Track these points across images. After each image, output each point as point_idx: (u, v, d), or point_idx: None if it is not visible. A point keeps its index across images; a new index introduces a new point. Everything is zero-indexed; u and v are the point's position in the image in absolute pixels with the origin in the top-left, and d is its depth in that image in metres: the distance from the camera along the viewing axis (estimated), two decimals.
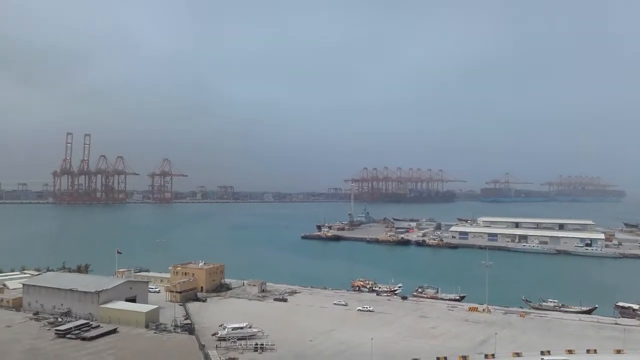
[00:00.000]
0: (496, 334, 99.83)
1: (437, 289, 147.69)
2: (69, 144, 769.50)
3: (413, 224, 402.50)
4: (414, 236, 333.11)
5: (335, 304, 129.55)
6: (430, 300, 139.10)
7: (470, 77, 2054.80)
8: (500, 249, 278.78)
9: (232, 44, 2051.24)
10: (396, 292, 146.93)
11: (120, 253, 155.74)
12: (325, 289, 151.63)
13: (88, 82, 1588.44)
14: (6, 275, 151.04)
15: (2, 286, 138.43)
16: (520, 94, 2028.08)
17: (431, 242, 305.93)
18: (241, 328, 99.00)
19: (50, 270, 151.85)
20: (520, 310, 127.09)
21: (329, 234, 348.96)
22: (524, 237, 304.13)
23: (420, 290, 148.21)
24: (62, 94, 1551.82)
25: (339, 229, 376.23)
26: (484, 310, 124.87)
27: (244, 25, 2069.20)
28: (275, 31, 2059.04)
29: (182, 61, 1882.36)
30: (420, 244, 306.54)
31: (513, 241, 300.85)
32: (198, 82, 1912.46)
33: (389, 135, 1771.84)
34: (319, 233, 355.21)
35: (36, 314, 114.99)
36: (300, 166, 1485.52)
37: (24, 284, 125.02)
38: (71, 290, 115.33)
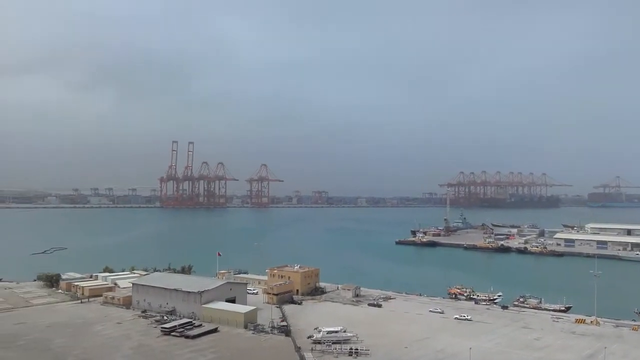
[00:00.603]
0: (605, 347, 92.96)
1: (540, 299, 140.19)
2: (174, 152, 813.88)
3: (514, 231, 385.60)
4: (514, 243, 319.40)
5: (431, 311, 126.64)
6: (533, 310, 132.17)
7: (570, 75, 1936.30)
8: (610, 257, 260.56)
9: (328, 50, 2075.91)
10: (496, 301, 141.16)
11: (221, 255, 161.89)
12: (420, 295, 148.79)
13: (191, 92, 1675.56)
14: (117, 275, 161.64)
15: (113, 285, 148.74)
16: (630, 90, 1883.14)
17: (534, 249, 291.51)
18: (336, 332, 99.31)
19: (157, 271, 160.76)
20: (633, 323, 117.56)
21: (424, 240, 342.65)
22: (637, 245, 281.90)
23: (521, 299, 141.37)
24: (168, 104, 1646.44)
25: (434, 235, 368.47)
26: (592, 322, 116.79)
27: (338, 30, 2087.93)
28: (369, 35, 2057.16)
29: (279, 68, 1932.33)
30: (521, 251, 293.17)
31: (625, 249, 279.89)
32: (295, 88, 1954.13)
33: (485, 139, 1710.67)
34: (413, 239, 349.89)
35: (144, 311, 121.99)
36: (394, 171, 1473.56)
37: (133, 284, 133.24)
38: (176, 290, 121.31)
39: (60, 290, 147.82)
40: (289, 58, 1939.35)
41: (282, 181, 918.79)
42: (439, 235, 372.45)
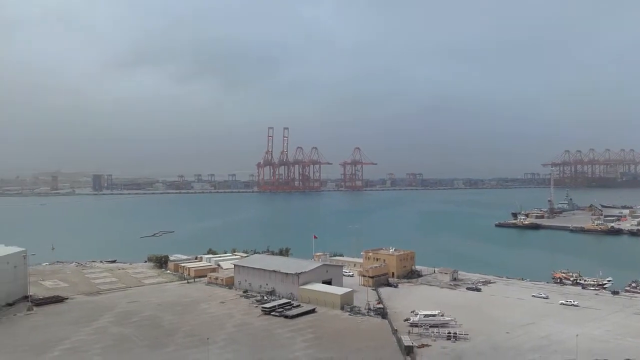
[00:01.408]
0: None
1: None
2: (270, 138, 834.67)
3: (625, 212, 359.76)
4: (627, 225, 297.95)
5: (534, 296, 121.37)
6: None
7: None
8: None
9: (420, 30, 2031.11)
10: (605, 286, 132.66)
11: (317, 238, 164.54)
12: (522, 280, 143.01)
13: (284, 79, 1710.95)
14: (220, 257, 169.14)
15: (216, 266, 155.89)
16: None
17: None
18: (433, 315, 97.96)
19: (256, 253, 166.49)
20: None
21: (526, 222, 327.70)
22: None
23: (634, 285, 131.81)
24: (264, 92, 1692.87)
25: (537, 217, 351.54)
26: None
27: (426, 12, 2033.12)
28: (468, 18, 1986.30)
29: (369, 51, 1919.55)
30: (634, 233, 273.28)
31: None
32: (387, 70, 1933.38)
33: (596, 119, 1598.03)
34: (514, 221, 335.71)
35: (245, 292, 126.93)
36: (492, 151, 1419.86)
37: (234, 265, 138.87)
38: (274, 271, 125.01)
39: (168, 271, 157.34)
40: (379, 40, 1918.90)
41: (376, 164, 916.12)
42: (542, 217, 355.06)
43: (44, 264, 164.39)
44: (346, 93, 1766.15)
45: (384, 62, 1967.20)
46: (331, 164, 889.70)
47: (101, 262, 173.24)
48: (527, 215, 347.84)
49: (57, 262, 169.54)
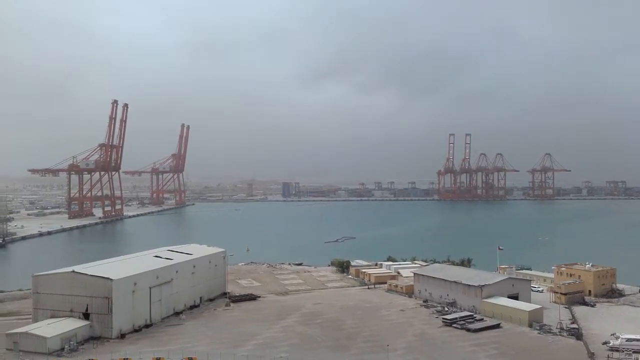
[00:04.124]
0: None
1: None
2: (451, 144, 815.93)
3: None
4: None
5: None
6: None
7: None
8: None
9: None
10: None
11: (502, 249, 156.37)
12: None
13: (466, 85, 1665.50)
14: (399, 264, 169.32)
15: (396, 274, 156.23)
16: None
17: None
18: (638, 340, 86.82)
19: (436, 262, 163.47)
20: None
21: None
22: None
23: None
24: (444, 99, 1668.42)
25: None
26: None
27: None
28: None
29: (561, 51, 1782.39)
30: None
31: None
32: (579, 72, 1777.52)
33: None
34: None
35: (425, 301, 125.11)
36: None
37: (414, 273, 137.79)
38: (456, 282, 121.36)
39: (349, 276, 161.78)
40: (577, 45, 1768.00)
41: (569, 171, 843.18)
42: None
43: (240, 264, 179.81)
44: (533, 96, 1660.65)
45: (573, 63, 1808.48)
46: (517, 171, 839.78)
47: (289, 264, 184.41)
48: None
49: (251, 262, 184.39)
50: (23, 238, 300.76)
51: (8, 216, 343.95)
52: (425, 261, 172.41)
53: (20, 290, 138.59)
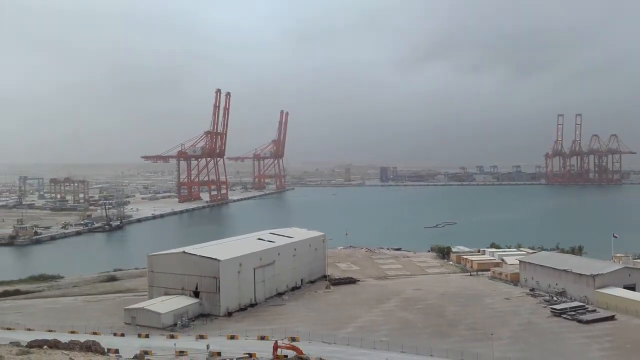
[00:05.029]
0: None
1: None
2: (560, 125, 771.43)
3: None
4: None
5: None
6: None
7: None
8: None
9: None
10: None
11: (617, 237, 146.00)
12: None
13: (579, 63, 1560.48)
14: (503, 251, 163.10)
15: (500, 261, 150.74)
16: None
17: None
18: None
19: (543, 250, 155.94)
20: None
21: None
22: None
23: None
24: (554, 77, 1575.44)
25: None
26: None
27: None
28: None
29: None
30: None
31: None
32: None
33: None
34: None
35: (532, 290, 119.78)
36: None
37: (520, 261, 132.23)
38: (565, 271, 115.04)
39: (450, 262, 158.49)
40: None
41: None
42: None
43: (339, 247, 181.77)
44: None
45: None
46: (635, 153, 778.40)
47: (387, 249, 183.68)
48: None
49: (350, 246, 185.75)
50: (138, 220, 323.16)
51: (125, 200, 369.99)
52: (532, 248, 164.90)
53: (137, 269, 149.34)
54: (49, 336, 75.80)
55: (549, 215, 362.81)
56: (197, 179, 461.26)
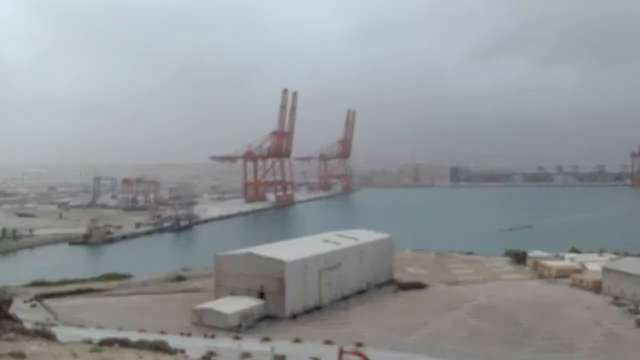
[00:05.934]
0: None
1: None
2: None
3: None
4: None
5: None
6: None
7: None
8: None
9: None
10: None
11: None
12: None
13: None
14: (585, 257, 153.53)
15: (581, 267, 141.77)
16: None
17: None
18: None
19: (628, 255, 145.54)
20: None
21: None
22: None
23: None
24: None
25: None
26: None
27: None
28: None
29: None
30: None
31: None
32: None
33: None
34: None
35: (616, 298, 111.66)
36: None
37: (603, 267, 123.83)
38: None
39: (526, 268, 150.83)
40: None
41: None
42: None
43: (407, 250, 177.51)
44: None
45: None
46: None
47: (458, 253, 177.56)
48: None
49: (418, 250, 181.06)
50: (206, 221, 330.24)
51: (193, 200, 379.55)
52: (616, 254, 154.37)
53: (205, 268, 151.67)
54: (119, 334, 77.25)
55: (634, 218, 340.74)
56: (263, 180, 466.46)
